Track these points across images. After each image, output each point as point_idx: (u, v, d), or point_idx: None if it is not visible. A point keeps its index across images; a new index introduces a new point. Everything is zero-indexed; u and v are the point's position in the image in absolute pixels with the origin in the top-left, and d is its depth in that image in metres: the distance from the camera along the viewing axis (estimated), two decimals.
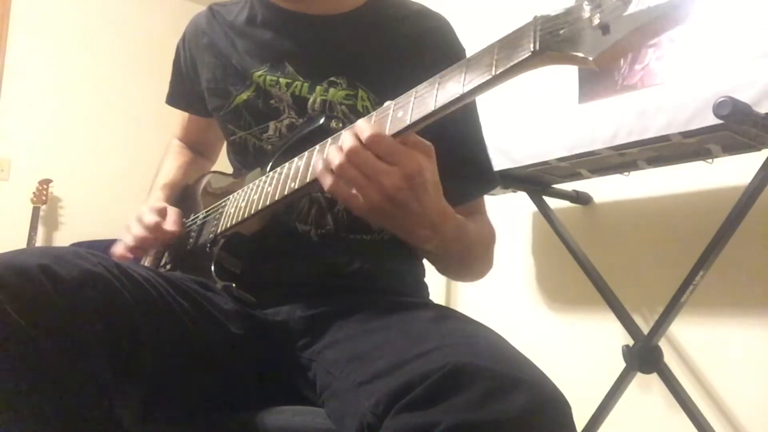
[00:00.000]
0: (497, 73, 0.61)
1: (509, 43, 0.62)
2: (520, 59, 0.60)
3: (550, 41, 0.58)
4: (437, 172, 0.73)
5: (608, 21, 0.55)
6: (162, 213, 0.96)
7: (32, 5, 3.16)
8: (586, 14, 0.57)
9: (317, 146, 0.79)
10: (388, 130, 0.70)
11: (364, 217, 0.74)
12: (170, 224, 0.94)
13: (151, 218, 0.94)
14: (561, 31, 0.58)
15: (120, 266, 0.72)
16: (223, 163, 1.12)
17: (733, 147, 1.48)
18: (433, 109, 0.66)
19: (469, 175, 0.97)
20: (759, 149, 1.46)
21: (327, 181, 0.72)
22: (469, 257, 0.89)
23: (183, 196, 1.10)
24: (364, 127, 0.70)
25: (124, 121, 3.33)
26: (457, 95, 0.65)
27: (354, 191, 0.70)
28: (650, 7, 0.53)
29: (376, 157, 0.69)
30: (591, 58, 0.55)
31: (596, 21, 0.56)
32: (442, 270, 0.94)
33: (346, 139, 0.70)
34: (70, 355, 0.62)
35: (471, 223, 0.87)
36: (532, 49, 0.59)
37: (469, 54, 1.01)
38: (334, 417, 0.71)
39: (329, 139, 0.78)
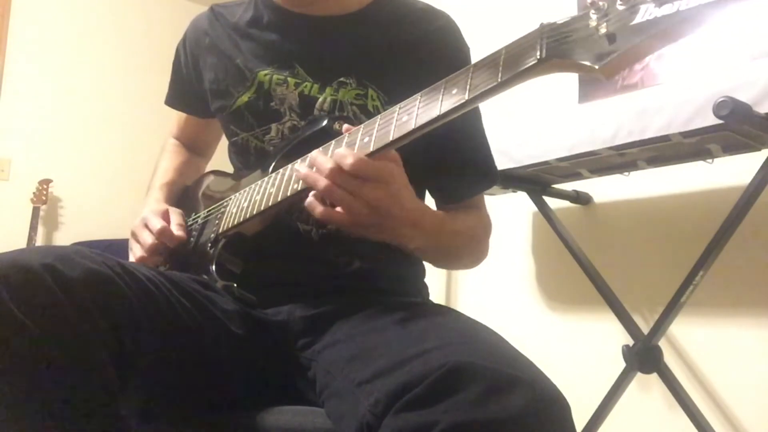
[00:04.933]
0: (502, 79, 0.62)
1: (515, 49, 0.62)
2: (525, 66, 0.60)
3: (557, 49, 0.58)
4: (405, 175, 0.77)
5: (615, 30, 0.55)
6: (165, 216, 0.96)
7: (32, 5, 3.16)
8: (593, 23, 0.57)
9: (321, 149, 0.79)
10: (392, 135, 0.71)
11: (352, 231, 0.77)
12: (176, 228, 0.94)
13: (158, 223, 0.93)
14: (567, 39, 0.58)
15: (123, 265, 0.73)
16: (221, 162, 1.12)
17: (733, 147, 1.48)
18: (438, 114, 0.67)
19: (471, 174, 0.98)
20: (759, 149, 1.45)
21: (317, 210, 0.75)
22: (453, 247, 0.92)
23: (183, 196, 1.10)
24: (343, 154, 0.73)
25: (124, 121, 3.33)
26: (462, 101, 0.65)
27: (339, 209, 0.74)
28: (657, 18, 0.53)
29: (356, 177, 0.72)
30: (597, 67, 0.55)
31: (603, 30, 0.56)
32: (432, 262, 0.97)
33: (325, 162, 0.74)
34: (74, 353, 0.62)
35: (453, 215, 0.92)
36: (538, 57, 0.59)
37: (474, 54, 1.01)
38: (333, 417, 0.71)
39: (333, 142, 0.79)
